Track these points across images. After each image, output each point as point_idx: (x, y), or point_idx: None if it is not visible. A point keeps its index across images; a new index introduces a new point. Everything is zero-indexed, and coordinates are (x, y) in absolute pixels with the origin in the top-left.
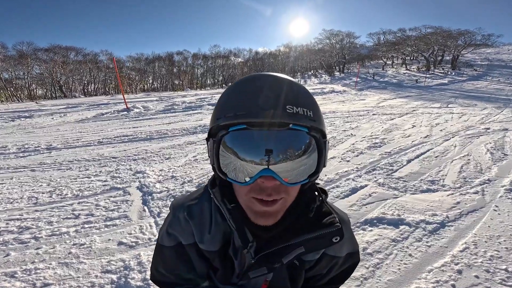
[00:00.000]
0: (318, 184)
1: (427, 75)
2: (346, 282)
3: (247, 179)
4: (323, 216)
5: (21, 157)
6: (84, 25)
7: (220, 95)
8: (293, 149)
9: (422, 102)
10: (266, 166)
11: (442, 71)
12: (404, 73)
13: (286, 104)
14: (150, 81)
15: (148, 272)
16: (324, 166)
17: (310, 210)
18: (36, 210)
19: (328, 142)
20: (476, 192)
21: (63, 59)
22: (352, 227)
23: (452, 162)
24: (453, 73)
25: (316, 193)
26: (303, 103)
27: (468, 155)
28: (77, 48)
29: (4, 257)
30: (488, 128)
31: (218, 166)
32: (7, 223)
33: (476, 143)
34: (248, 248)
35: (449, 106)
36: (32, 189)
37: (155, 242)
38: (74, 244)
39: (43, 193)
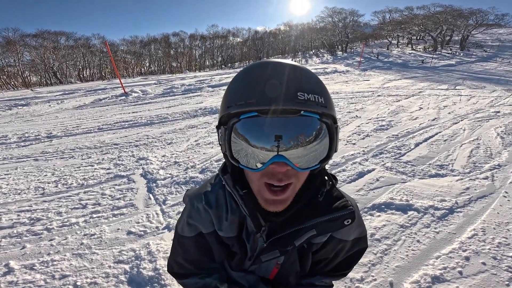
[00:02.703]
0: (327, 169)
1: (434, 56)
2: (354, 268)
3: (259, 165)
4: (334, 200)
5: (22, 146)
6: (72, 9)
7: (219, 76)
8: (305, 136)
9: (429, 83)
10: (277, 153)
11: (450, 51)
12: (409, 53)
13: (297, 91)
14: (147, 64)
15: (158, 261)
16: (335, 151)
17: (320, 194)
18: (44, 201)
19: (339, 127)
20: (486, 178)
21: (54, 44)
22: (359, 212)
23: (461, 146)
24: (461, 54)
25: (326, 177)
26: (314, 90)
27: (477, 139)
28: (67, 32)
29: (21, 249)
30: (498, 112)
31: (230, 153)
32: (18, 215)
33: (485, 127)
34: (261, 232)
35: (456, 88)
36: (38, 179)
37: (163, 231)
38: (85, 235)
39: (48, 183)
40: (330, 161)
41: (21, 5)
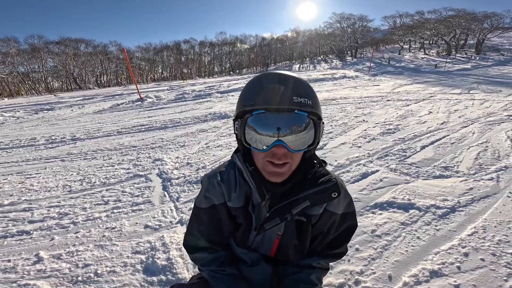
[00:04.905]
0: (320, 158)
1: (448, 60)
2: (354, 261)
3: (265, 147)
4: (321, 176)
5: (50, 148)
6: (90, 17)
7: (228, 82)
8: (297, 126)
9: (441, 88)
10: (277, 138)
11: (465, 55)
12: (422, 57)
13: (293, 95)
14: (160, 71)
15: (171, 252)
16: (319, 140)
17: (309, 173)
18: (71, 197)
19: (323, 123)
20: (491, 179)
21: (74, 51)
22: (361, 210)
23: (468, 149)
24: (477, 58)
25: (315, 161)
26: (305, 94)
27: (486, 142)
28: (87, 40)
29: (50, 241)
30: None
31: (244, 139)
32: (49, 210)
33: (496, 130)
34: (265, 201)
35: (470, 92)
36: (65, 178)
37: (176, 225)
38: (106, 228)
39: (74, 181)
40: (334, 163)
41: (44, 11)
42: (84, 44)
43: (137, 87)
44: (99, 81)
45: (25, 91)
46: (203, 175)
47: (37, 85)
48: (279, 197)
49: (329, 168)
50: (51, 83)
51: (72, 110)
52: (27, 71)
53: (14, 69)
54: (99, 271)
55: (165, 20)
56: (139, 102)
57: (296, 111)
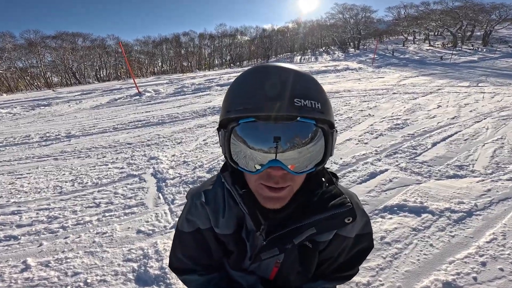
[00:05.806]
0: (328, 168)
1: (454, 52)
2: (361, 272)
3: (258, 166)
4: (332, 198)
5: (43, 145)
6: (87, 11)
7: (228, 75)
8: (300, 140)
9: (448, 80)
10: (274, 155)
11: (472, 47)
12: (427, 49)
13: (294, 97)
14: (160, 64)
15: (165, 261)
16: (331, 155)
17: (315, 194)
18: (62, 200)
19: (337, 132)
20: (510, 179)
21: (72, 45)
22: (370, 214)
23: (483, 145)
24: (484, 50)
25: (323, 179)
26: (311, 96)
27: (502, 138)
28: (84, 34)
29: (38, 247)
30: None
31: (229, 155)
32: (37, 213)
33: (511, 125)
34: (261, 230)
35: (479, 85)
36: (56, 178)
37: (171, 230)
38: (97, 233)
39: (66, 182)
40: (339, 161)
41: (39, 5)
42: (81, 38)
43: (134, 81)
44: (98, 75)
45: (24, 86)
46: (199, 174)
47: (36, 80)
48: (279, 223)
49: (337, 165)
50: (50, 78)
51: (69, 105)
52: (26, 66)
53: (12, 64)
54: (89, 280)
55: (163, 12)
56: (137, 97)
57: (299, 118)
